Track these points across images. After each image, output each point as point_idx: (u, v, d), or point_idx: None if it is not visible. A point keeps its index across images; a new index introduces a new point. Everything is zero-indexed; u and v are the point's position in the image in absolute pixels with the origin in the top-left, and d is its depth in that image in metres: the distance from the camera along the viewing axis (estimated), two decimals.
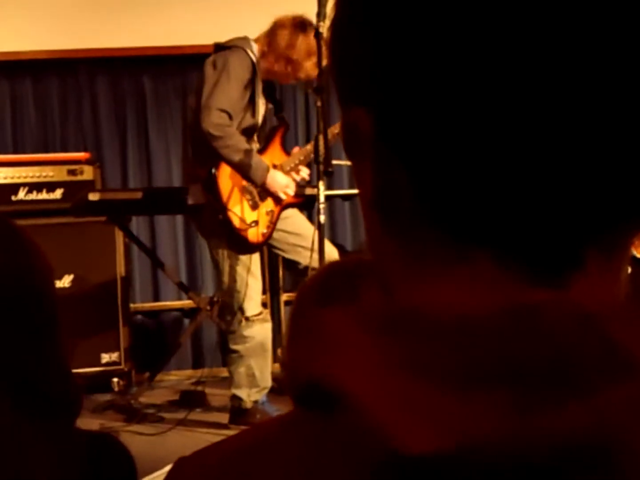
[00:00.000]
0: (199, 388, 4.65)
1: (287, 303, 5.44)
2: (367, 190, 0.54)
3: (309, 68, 3.96)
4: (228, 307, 4.04)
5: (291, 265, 4.29)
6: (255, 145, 4.07)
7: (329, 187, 4.03)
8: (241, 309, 4.00)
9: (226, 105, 3.84)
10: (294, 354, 0.54)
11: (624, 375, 0.46)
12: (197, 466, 0.55)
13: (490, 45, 0.48)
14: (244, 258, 3.98)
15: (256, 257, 4.07)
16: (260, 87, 3.99)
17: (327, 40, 0.58)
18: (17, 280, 1.09)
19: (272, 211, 4.05)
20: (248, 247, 4.01)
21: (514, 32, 0.48)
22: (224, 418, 4.11)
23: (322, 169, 3.56)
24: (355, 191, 5.61)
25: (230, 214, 3.90)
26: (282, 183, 4.00)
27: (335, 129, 3.88)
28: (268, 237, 4.04)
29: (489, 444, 0.45)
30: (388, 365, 0.48)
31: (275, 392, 4.14)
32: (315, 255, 3.77)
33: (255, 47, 4.03)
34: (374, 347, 0.49)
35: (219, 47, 4.01)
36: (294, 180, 4.09)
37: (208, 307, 4.63)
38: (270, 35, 4.03)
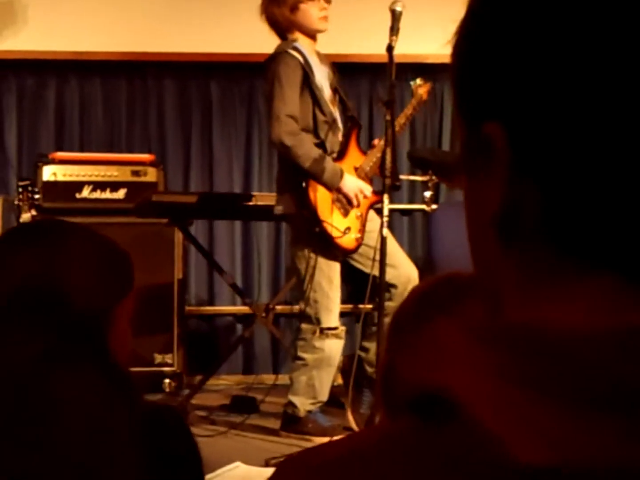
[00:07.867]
0: (250, 394, 4.66)
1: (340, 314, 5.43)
2: (489, 208, 0.54)
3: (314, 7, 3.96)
4: (306, 316, 4.02)
5: (355, 277, 4.27)
6: (338, 140, 4.07)
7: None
8: (318, 320, 3.99)
9: (290, 110, 3.85)
10: (402, 365, 0.54)
11: None
12: (302, 468, 0.55)
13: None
14: (327, 269, 3.97)
15: (338, 269, 4.06)
16: (316, 80, 3.97)
17: (453, 51, 0.58)
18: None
19: (361, 215, 4.06)
20: (342, 254, 4.03)
21: None
22: (274, 424, 4.13)
23: (388, 183, 3.57)
24: (414, 206, 5.59)
25: (325, 225, 3.91)
26: (355, 186, 3.99)
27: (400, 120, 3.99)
28: (361, 241, 4.04)
29: (596, 465, 0.45)
30: (502, 378, 0.49)
31: (326, 403, 4.14)
32: (391, 270, 3.78)
33: (299, 43, 3.99)
34: (487, 360, 0.50)
35: (266, 60, 4.01)
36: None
37: (264, 314, 4.65)
38: None
